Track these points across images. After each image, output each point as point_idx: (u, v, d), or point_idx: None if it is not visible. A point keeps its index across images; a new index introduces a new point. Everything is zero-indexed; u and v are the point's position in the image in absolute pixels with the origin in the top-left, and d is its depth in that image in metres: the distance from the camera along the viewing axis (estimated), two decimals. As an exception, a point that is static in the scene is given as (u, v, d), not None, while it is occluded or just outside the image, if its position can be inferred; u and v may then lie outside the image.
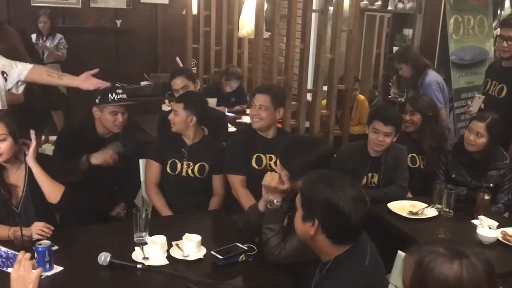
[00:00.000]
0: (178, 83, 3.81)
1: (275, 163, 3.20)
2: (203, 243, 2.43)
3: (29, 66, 3.06)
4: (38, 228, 2.43)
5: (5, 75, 3.02)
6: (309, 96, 4.58)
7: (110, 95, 3.09)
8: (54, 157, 3.19)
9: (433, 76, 4.32)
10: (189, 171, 3.21)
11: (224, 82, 5.54)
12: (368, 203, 1.86)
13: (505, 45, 3.68)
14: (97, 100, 3.12)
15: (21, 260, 1.80)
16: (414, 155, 3.56)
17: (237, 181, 3.19)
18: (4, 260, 2.14)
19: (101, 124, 3.19)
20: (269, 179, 2.41)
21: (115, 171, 3.21)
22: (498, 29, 4.13)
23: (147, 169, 3.27)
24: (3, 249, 2.14)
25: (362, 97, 5.66)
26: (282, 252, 2.29)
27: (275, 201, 2.39)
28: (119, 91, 3.13)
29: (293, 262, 2.31)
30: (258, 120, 3.24)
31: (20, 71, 3.02)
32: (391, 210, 3.03)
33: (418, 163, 3.57)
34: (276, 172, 2.47)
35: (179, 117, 3.19)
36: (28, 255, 1.83)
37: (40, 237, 2.40)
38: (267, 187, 2.42)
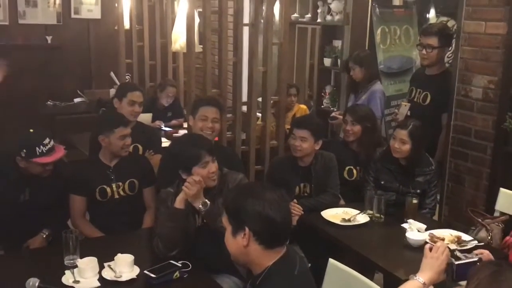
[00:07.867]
0: (138, 95, 3.79)
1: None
2: (136, 262, 2.39)
3: None
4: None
5: None
6: (244, 108, 4.62)
7: (37, 148, 2.80)
8: None
9: (380, 87, 4.47)
10: (120, 191, 3.14)
11: (159, 93, 5.51)
12: (289, 201, 1.95)
13: (424, 52, 3.83)
14: (22, 154, 2.81)
15: None
16: (352, 167, 3.60)
17: None
18: None
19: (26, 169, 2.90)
20: (187, 191, 2.56)
21: (43, 208, 3.01)
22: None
23: (72, 204, 3.09)
24: None
25: (303, 106, 5.66)
26: None
27: (206, 201, 2.56)
28: (46, 141, 2.83)
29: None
30: (210, 133, 3.23)
31: None
32: (324, 218, 3.08)
33: (355, 176, 3.60)
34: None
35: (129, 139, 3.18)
36: None
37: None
38: (190, 197, 2.57)
